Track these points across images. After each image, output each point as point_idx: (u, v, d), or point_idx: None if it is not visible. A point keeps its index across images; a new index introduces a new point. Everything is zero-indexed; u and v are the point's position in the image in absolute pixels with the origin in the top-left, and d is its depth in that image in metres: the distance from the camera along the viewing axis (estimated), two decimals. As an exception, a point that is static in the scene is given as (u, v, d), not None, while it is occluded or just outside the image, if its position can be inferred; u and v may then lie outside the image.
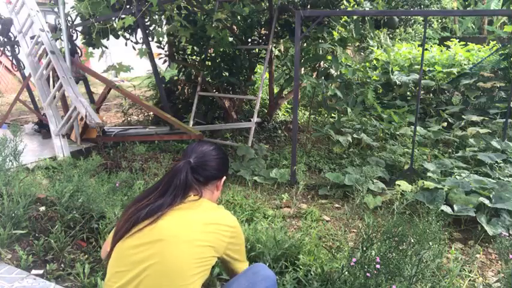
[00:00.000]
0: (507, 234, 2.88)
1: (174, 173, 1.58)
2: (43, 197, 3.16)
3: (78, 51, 5.74)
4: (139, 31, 5.50)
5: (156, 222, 1.45)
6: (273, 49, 6.31)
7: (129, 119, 6.86)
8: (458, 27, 14.74)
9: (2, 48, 6.46)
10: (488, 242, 2.99)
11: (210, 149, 1.71)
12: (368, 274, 1.87)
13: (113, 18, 5.32)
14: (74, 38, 5.55)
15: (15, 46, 6.36)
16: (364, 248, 1.98)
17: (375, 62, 7.84)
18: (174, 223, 1.46)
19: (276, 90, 6.68)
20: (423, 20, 5.17)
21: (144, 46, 5.21)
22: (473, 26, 15.12)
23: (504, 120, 5.08)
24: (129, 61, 5.56)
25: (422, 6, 6.78)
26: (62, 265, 2.51)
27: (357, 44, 7.42)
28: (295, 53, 3.88)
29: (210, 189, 1.69)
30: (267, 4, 5.80)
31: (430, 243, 1.90)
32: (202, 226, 1.49)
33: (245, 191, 3.83)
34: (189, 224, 1.48)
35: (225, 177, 1.77)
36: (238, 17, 5.77)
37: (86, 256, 2.58)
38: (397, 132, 5.59)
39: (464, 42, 8.88)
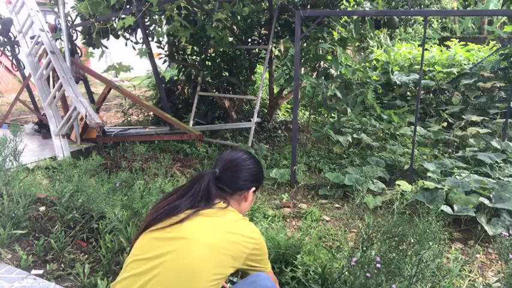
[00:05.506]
0: (507, 234, 2.88)
1: (196, 179, 1.59)
2: (43, 197, 3.16)
3: (78, 51, 5.74)
4: (139, 31, 5.51)
5: (181, 223, 1.45)
6: (273, 49, 6.31)
7: (129, 119, 6.86)
8: (458, 27, 14.73)
9: (2, 48, 6.46)
10: (488, 242, 2.99)
11: (240, 159, 1.67)
12: (368, 274, 1.87)
13: (113, 18, 5.32)
14: (74, 38, 5.55)
15: (15, 46, 6.37)
16: (364, 248, 1.98)
17: (374, 62, 7.83)
18: (196, 226, 1.46)
19: (276, 90, 6.67)
20: (423, 20, 5.17)
21: (144, 46, 5.21)
22: (473, 26, 15.09)
23: (504, 120, 5.08)
24: (129, 61, 5.56)
25: (422, 6, 6.77)
26: (62, 265, 2.51)
27: (357, 44, 7.41)
28: (295, 53, 3.88)
29: (236, 199, 1.66)
30: (267, 4, 5.80)
31: (430, 243, 1.89)
32: (223, 234, 1.46)
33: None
34: (210, 229, 1.46)
35: (254, 188, 1.70)
36: (238, 17, 5.77)
37: (86, 256, 2.58)
38: (397, 132, 5.59)
39: (464, 42, 8.87)
